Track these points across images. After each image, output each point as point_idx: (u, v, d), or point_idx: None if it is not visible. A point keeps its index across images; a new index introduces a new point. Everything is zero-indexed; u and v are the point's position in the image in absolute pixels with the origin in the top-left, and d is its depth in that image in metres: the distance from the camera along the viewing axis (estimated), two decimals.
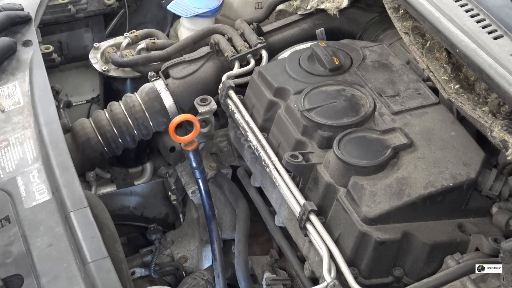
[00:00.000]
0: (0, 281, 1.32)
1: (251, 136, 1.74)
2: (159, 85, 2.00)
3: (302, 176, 1.61)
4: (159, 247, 2.16)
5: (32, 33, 2.00)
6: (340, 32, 2.14)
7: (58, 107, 2.03)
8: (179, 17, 2.40)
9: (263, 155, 1.68)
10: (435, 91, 1.70)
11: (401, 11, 1.83)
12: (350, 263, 1.44)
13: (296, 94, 1.72)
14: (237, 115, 1.80)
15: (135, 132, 1.98)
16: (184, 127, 1.91)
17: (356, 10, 2.14)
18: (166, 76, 2.04)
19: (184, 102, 1.99)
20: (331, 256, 1.43)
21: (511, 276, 1.27)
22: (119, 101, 2.01)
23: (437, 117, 1.64)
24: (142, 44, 2.21)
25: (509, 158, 1.39)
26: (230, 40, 2.06)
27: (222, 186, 2.08)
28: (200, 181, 1.89)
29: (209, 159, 2.06)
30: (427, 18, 1.63)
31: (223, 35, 2.08)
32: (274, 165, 1.64)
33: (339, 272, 1.42)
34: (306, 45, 1.99)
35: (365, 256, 1.44)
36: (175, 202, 2.17)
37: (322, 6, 2.11)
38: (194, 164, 1.84)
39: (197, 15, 2.29)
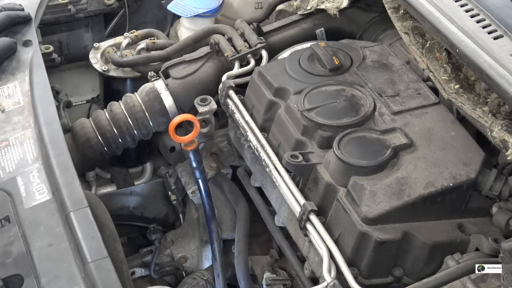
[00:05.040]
0: (0, 281, 1.31)
1: (251, 136, 1.74)
2: (159, 85, 2.00)
3: (302, 176, 1.61)
4: (159, 247, 2.16)
5: (32, 33, 2.00)
6: (340, 32, 2.14)
7: (58, 107, 2.03)
8: (179, 17, 2.40)
9: (263, 155, 1.68)
10: (435, 91, 1.70)
11: (401, 11, 1.83)
12: (350, 263, 1.44)
13: (296, 94, 1.72)
14: (237, 115, 1.80)
15: (135, 132, 1.98)
16: (184, 127, 1.91)
17: (356, 10, 2.14)
18: (166, 76, 2.04)
19: (184, 102, 1.99)
20: (331, 256, 1.43)
21: (511, 276, 1.27)
22: (119, 101, 2.01)
23: (437, 117, 1.64)
24: (142, 44, 2.21)
25: (509, 158, 1.39)
26: (230, 40, 2.06)
27: (222, 186, 2.08)
28: (200, 181, 1.89)
29: (209, 159, 2.06)
30: (427, 18, 1.63)
31: (223, 35, 2.08)
32: (274, 165, 1.64)
33: (339, 272, 1.42)
34: (306, 45, 1.98)
35: (365, 256, 1.44)
36: (175, 202, 2.17)
37: (322, 6, 2.11)
38: (194, 164, 1.84)
39: (197, 15, 2.29)
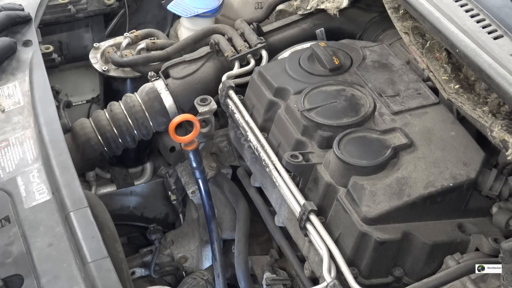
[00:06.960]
0: (0, 281, 1.32)
1: (251, 136, 1.74)
2: (159, 85, 2.00)
3: (302, 176, 1.61)
4: (159, 247, 2.16)
5: (32, 33, 2.00)
6: (340, 32, 2.14)
7: (58, 107, 2.03)
8: (179, 17, 2.40)
9: (263, 155, 1.68)
10: (435, 91, 1.70)
11: (401, 11, 1.83)
12: (350, 263, 1.44)
13: (296, 94, 1.72)
14: (237, 115, 1.80)
15: (135, 132, 1.98)
16: (184, 127, 1.91)
17: (356, 10, 2.14)
18: (166, 76, 2.04)
19: (184, 102, 1.99)
20: (331, 256, 1.43)
21: (511, 276, 1.27)
22: (119, 101, 2.01)
23: (437, 117, 1.64)
24: (142, 44, 2.21)
25: (509, 158, 1.39)
26: (230, 40, 2.06)
27: (222, 186, 2.08)
28: (200, 181, 1.89)
29: (209, 159, 2.06)
30: (427, 18, 1.63)
31: (223, 35, 2.08)
32: (274, 165, 1.64)
33: (339, 272, 1.42)
34: (306, 45, 1.99)
35: (365, 256, 1.44)
36: (175, 202, 2.17)
37: (322, 6, 2.11)
38: (194, 164, 1.84)
39: (197, 15, 2.29)
